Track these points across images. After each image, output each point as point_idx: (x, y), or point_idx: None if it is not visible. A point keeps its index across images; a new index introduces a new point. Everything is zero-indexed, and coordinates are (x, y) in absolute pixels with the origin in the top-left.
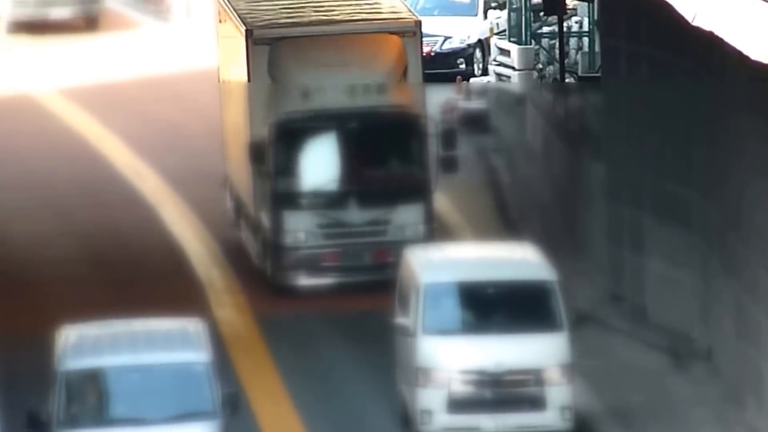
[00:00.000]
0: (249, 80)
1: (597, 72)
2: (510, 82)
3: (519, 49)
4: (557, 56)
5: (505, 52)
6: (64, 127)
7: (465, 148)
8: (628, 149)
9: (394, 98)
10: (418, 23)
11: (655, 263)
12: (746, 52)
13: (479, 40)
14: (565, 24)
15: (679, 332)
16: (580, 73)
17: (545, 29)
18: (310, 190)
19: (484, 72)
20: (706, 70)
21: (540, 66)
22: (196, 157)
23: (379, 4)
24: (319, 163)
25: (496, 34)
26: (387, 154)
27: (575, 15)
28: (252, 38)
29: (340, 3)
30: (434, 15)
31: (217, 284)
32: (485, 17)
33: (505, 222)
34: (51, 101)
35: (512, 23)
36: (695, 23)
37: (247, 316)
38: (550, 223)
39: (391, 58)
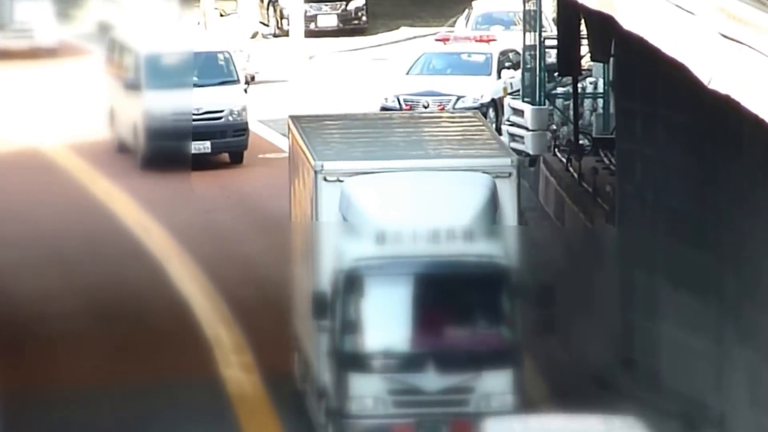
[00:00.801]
0: (316, 220)
1: (611, 133)
2: (523, 142)
3: (533, 109)
4: (571, 117)
5: (518, 112)
6: (71, 182)
7: None
8: (642, 212)
9: (483, 247)
10: (515, 163)
11: (669, 328)
12: (763, 116)
13: (493, 100)
14: (579, 84)
15: (692, 398)
16: (594, 135)
17: (559, 90)
18: (380, 350)
19: (498, 132)
20: (723, 134)
21: (554, 127)
22: (204, 213)
23: (471, 137)
24: (392, 319)
25: (510, 93)
26: (471, 310)
27: (590, 75)
28: (321, 173)
29: (425, 135)
30: (446, 74)
31: (224, 342)
32: (499, 76)
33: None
34: (58, 155)
35: (526, 83)
36: (711, 86)
37: (255, 375)
38: (561, 285)
39: (481, 200)
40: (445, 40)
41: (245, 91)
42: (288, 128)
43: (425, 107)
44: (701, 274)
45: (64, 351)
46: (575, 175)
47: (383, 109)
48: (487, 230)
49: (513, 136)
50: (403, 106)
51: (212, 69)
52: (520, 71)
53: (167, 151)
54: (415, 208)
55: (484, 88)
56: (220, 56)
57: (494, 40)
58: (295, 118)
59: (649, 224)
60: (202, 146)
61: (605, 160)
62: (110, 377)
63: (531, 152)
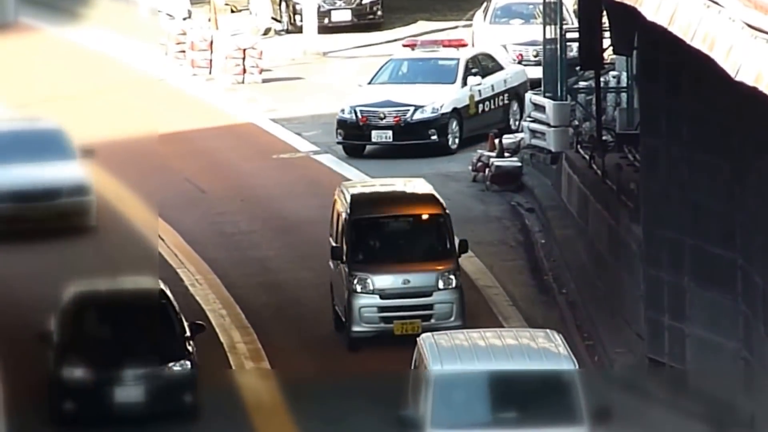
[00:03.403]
0: None
1: (635, 129)
2: (544, 139)
3: (554, 104)
4: (594, 112)
5: (539, 108)
6: None
7: (497, 206)
8: (668, 210)
9: None
10: None
11: (696, 328)
12: None
13: (455, 110)
14: (602, 79)
15: (720, 400)
16: (617, 130)
17: (581, 84)
18: None
19: (461, 145)
20: (750, 128)
21: (576, 122)
22: (215, 216)
23: None
24: None
25: (477, 102)
26: None
27: (613, 69)
28: None
29: None
30: (411, 82)
31: (239, 348)
32: (465, 84)
33: (539, 284)
34: None
35: (547, 78)
36: (738, 78)
37: (271, 381)
38: (585, 285)
39: None
40: (412, 45)
41: None
42: None
43: (381, 119)
44: (729, 273)
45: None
46: (599, 172)
47: (340, 121)
48: None
49: (534, 133)
50: (359, 118)
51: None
52: (487, 78)
53: None
54: None
55: (446, 97)
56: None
57: (464, 45)
58: None
59: (675, 222)
60: None
61: (629, 156)
62: None
63: (553, 149)
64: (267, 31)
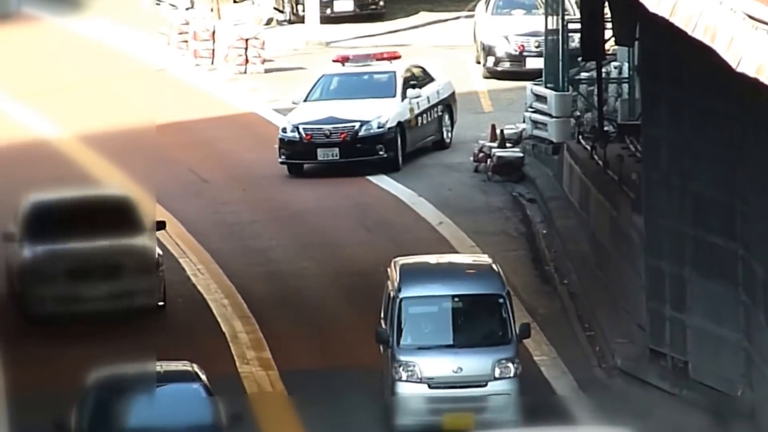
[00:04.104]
0: None
1: (637, 119)
2: (546, 129)
3: (556, 95)
4: (595, 103)
5: (541, 99)
6: (83, 175)
7: (499, 197)
8: (669, 200)
9: None
10: None
11: (697, 319)
12: None
13: (399, 123)
14: (603, 69)
15: (721, 391)
16: (619, 121)
17: (583, 75)
18: None
19: (405, 159)
20: (752, 118)
21: (578, 113)
22: (218, 206)
23: None
24: None
25: (417, 115)
26: None
27: (614, 60)
28: None
29: None
30: (348, 98)
31: (240, 338)
32: (404, 97)
33: (540, 274)
34: (69, 147)
35: (549, 68)
36: (740, 69)
37: (273, 371)
38: (587, 275)
39: None
40: (343, 60)
41: None
42: None
43: (327, 136)
44: (730, 263)
45: (80, 346)
46: (600, 162)
47: (281, 140)
48: None
49: (536, 123)
50: (304, 136)
51: None
52: (422, 90)
53: None
54: None
55: (388, 111)
56: None
57: (397, 57)
58: None
59: (677, 212)
60: None
61: (631, 147)
62: None
63: (554, 139)
64: (269, 21)
